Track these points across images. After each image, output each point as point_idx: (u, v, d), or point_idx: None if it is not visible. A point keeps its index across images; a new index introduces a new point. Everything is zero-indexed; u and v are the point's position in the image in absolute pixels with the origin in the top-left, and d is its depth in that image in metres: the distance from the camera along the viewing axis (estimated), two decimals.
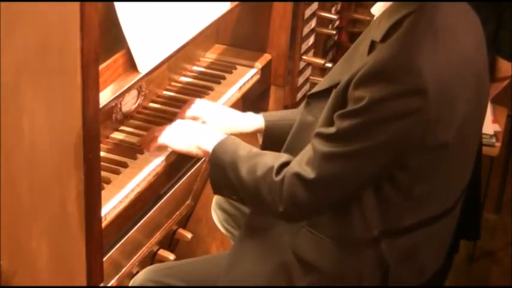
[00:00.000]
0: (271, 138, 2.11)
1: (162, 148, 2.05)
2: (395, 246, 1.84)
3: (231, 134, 2.04)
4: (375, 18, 1.84)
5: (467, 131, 1.80)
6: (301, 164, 1.77)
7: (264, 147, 2.12)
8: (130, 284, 2.19)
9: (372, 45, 1.73)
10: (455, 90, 1.71)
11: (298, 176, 1.76)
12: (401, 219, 1.81)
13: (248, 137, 2.08)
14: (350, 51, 1.86)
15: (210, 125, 2.12)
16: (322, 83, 1.90)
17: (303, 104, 1.98)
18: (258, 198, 1.83)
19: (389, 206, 1.78)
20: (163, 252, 2.43)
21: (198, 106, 2.17)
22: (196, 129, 2.03)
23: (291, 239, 1.88)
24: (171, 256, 2.43)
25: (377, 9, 1.83)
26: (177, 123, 2.07)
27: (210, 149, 1.94)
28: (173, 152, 2.09)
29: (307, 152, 1.78)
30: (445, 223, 1.91)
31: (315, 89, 1.89)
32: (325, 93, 1.81)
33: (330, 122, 1.75)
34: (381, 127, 1.67)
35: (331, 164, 1.72)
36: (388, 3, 1.78)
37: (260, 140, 2.15)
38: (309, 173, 1.74)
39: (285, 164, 1.81)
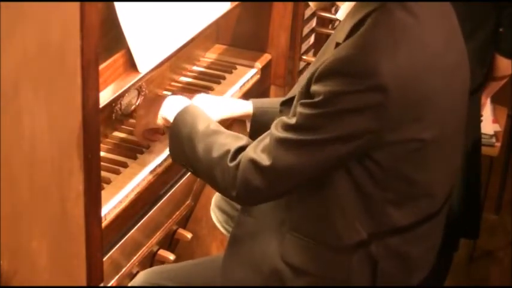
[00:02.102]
0: (259, 125, 2.11)
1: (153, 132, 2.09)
2: (384, 247, 1.83)
3: (221, 120, 2.06)
4: (340, 22, 1.83)
5: (446, 129, 1.80)
6: (257, 150, 1.77)
7: (252, 133, 2.12)
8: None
9: (337, 47, 1.73)
10: (422, 87, 1.70)
11: (253, 163, 1.76)
12: (388, 219, 1.81)
13: (236, 121, 2.08)
14: (317, 57, 1.86)
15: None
16: (293, 90, 1.90)
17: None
18: (212, 179, 1.84)
19: (373, 205, 1.78)
20: (163, 252, 2.43)
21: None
22: (164, 101, 2.04)
23: (278, 245, 1.89)
24: (171, 256, 2.43)
25: (341, 13, 1.83)
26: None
27: (171, 118, 1.96)
28: None
29: (264, 139, 1.78)
30: (434, 224, 1.91)
31: (286, 97, 1.89)
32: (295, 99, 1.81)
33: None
34: (338, 121, 1.68)
35: (286, 152, 1.73)
36: (351, 5, 1.78)
37: (248, 126, 2.15)
38: (265, 160, 1.74)
39: (241, 149, 1.81)
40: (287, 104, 1.86)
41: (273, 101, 2.18)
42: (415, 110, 1.70)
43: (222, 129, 1.91)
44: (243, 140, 1.85)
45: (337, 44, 1.73)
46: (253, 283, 1.92)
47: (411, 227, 1.84)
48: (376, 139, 1.70)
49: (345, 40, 1.71)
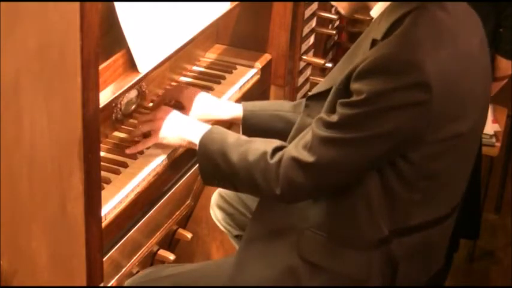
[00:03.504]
0: (250, 128, 2.12)
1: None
2: (404, 245, 1.84)
3: (206, 121, 2.06)
4: (374, 19, 1.84)
5: (477, 124, 1.82)
6: (298, 147, 1.77)
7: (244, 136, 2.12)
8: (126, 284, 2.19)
9: (373, 44, 1.74)
10: (463, 86, 1.72)
11: (296, 160, 1.76)
12: (410, 217, 1.81)
13: (225, 125, 2.08)
14: (350, 52, 1.86)
15: (189, 111, 2.14)
16: (321, 85, 1.90)
17: (297, 102, 1.98)
18: (252, 183, 1.84)
19: (398, 204, 1.79)
20: (163, 252, 2.43)
21: (179, 90, 2.20)
22: (180, 120, 2.04)
23: (295, 242, 1.88)
24: (171, 256, 2.43)
25: (376, 10, 1.83)
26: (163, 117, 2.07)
27: (194, 139, 1.96)
28: (173, 152, 2.09)
29: (304, 137, 1.78)
30: (450, 222, 1.92)
31: (314, 91, 1.89)
32: (324, 94, 1.82)
33: (331, 113, 1.76)
34: (380, 119, 1.68)
35: (329, 149, 1.73)
36: (387, 3, 1.79)
37: (240, 130, 2.15)
38: (307, 157, 1.75)
39: (279, 148, 1.82)
40: (314, 99, 1.86)
41: (264, 104, 2.18)
42: (457, 108, 1.72)
43: (253, 138, 1.91)
44: (277, 141, 1.86)
45: (374, 41, 1.74)
46: (267, 279, 1.91)
47: (432, 225, 1.85)
48: (417, 138, 1.70)
49: (383, 38, 1.71)
